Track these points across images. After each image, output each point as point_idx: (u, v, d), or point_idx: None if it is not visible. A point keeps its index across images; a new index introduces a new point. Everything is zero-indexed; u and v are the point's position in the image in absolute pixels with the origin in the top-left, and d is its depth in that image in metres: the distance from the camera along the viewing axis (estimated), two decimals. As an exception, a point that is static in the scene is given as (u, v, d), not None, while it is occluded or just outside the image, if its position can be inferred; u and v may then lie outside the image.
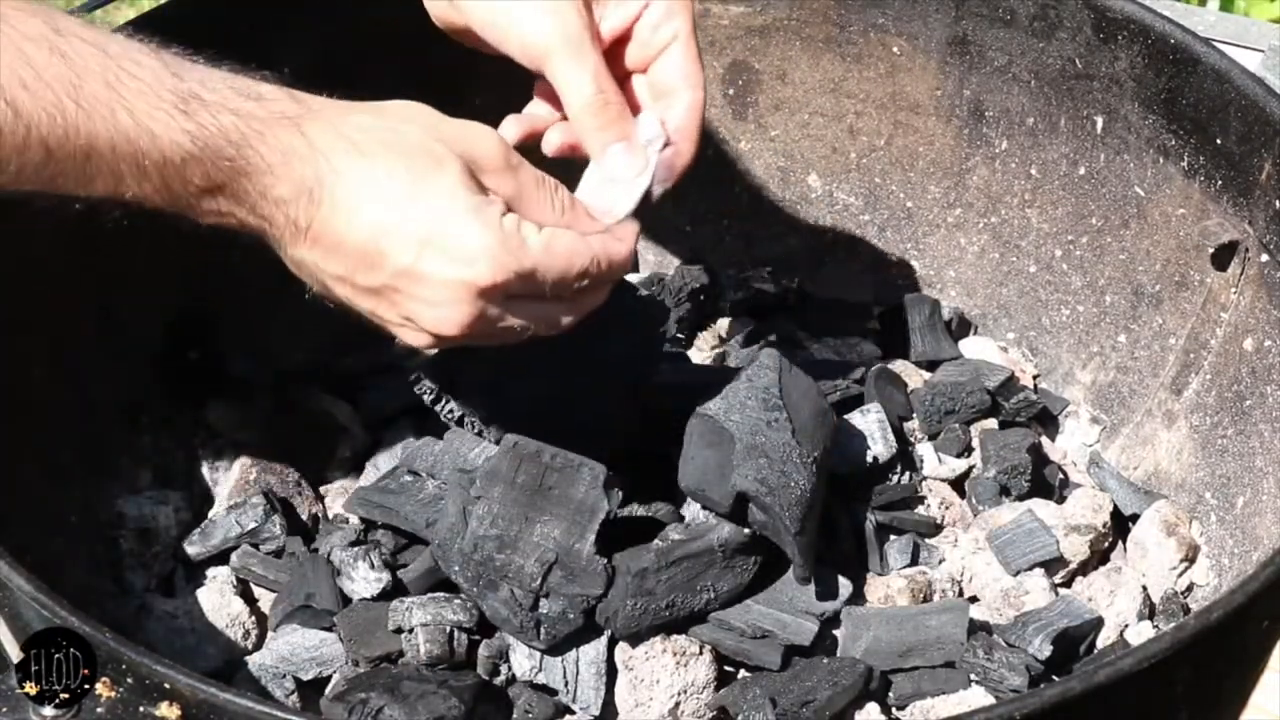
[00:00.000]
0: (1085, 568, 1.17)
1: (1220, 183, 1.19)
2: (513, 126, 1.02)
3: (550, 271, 0.90)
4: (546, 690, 1.03)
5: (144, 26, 1.17)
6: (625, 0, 1.01)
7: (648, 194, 0.98)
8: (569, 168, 0.99)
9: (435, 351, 1.11)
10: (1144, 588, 1.15)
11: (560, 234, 0.91)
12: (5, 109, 0.78)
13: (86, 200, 0.84)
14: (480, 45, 1.02)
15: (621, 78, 1.01)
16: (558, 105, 1.00)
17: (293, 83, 0.90)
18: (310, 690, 1.05)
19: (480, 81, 1.13)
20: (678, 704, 1.03)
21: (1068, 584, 1.16)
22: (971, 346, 1.36)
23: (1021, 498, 1.20)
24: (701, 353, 1.35)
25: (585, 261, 0.91)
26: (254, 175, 0.85)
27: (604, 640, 1.03)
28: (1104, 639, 1.11)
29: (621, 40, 1.02)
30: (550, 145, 1.01)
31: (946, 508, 1.19)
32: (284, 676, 1.05)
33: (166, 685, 0.81)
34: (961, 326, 1.38)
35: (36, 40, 0.80)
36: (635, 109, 1.01)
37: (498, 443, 1.06)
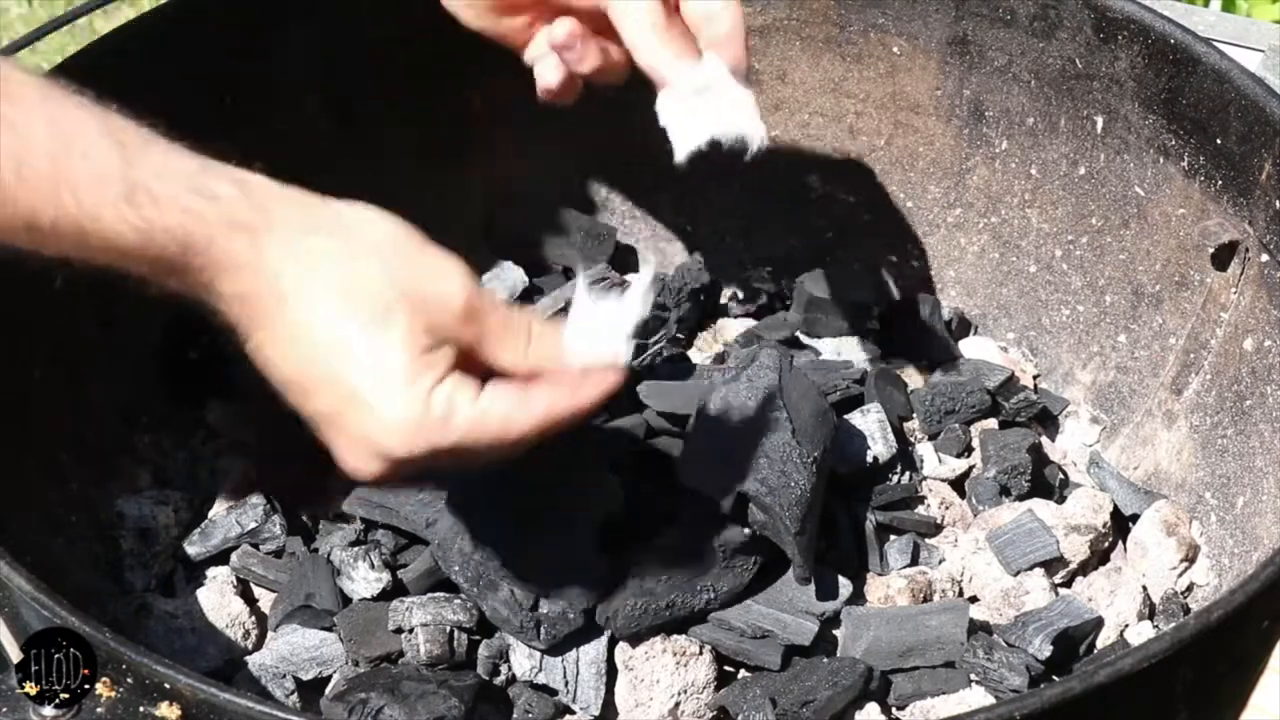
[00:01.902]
0: (1085, 568, 1.17)
1: (1220, 183, 1.19)
2: (554, 72, 1.02)
3: (480, 442, 0.85)
4: (546, 690, 1.03)
5: (144, 28, 1.18)
6: None
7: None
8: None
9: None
10: (1144, 588, 1.15)
11: (499, 400, 0.85)
12: None
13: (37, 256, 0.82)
14: (500, 21, 1.01)
15: None
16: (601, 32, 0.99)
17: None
18: (310, 690, 1.05)
19: (479, 74, 1.13)
20: (678, 704, 1.03)
21: (1068, 584, 1.16)
22: (971, 346, 1.36)
23: (1021, 498, 1.20)
24: (701, 353, 1.35)
25: (524, 427, 0.86)
26: (198, 273, 0.83)
27: (604, 640, 1.03)
28: (1104, 639, 1.11)
29: None
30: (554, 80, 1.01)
31: (946, 508, 1.19)
32: (284, 676, 1.05)
33: (166, 685, 0.81)
34: (961, 326, 1.38)
35: None
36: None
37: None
